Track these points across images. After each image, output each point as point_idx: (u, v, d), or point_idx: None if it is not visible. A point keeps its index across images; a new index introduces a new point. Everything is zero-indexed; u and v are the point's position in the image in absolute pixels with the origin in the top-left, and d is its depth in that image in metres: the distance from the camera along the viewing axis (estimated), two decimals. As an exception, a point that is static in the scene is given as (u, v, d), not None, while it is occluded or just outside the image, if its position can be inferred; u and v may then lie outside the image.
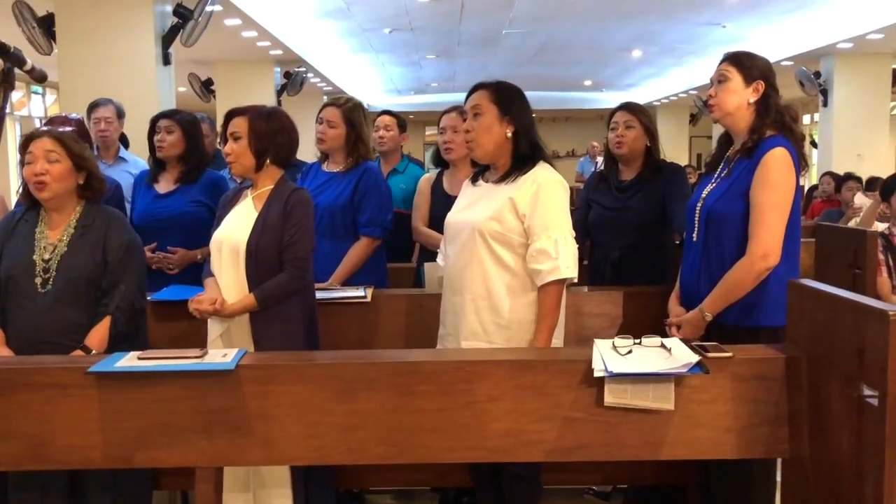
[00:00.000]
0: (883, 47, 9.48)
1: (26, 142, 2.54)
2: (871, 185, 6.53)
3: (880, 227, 4.35)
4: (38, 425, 2.06)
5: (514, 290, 2.49)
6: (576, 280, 2.53)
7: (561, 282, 2.46)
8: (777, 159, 2.37)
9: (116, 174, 3.81)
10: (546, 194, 2.46)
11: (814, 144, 11.33)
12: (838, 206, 6.69)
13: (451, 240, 2.61)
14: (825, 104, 10.31)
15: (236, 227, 2.60)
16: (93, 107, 4.13)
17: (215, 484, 2.17)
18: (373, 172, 3.28)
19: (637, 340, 2.16)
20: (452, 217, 2.65)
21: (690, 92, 15.21)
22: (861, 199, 5.91)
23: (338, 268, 3.15)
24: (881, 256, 3.75)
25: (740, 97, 2.46)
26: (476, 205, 2.56)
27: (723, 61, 2.51)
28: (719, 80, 2.49)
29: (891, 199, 3.90)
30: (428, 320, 2.85)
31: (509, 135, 2.53)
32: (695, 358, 2.03)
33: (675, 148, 17.19)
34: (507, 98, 2.54)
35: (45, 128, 2.65)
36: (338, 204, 3.21)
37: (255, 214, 2.60)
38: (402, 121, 4.07)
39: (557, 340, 2.53)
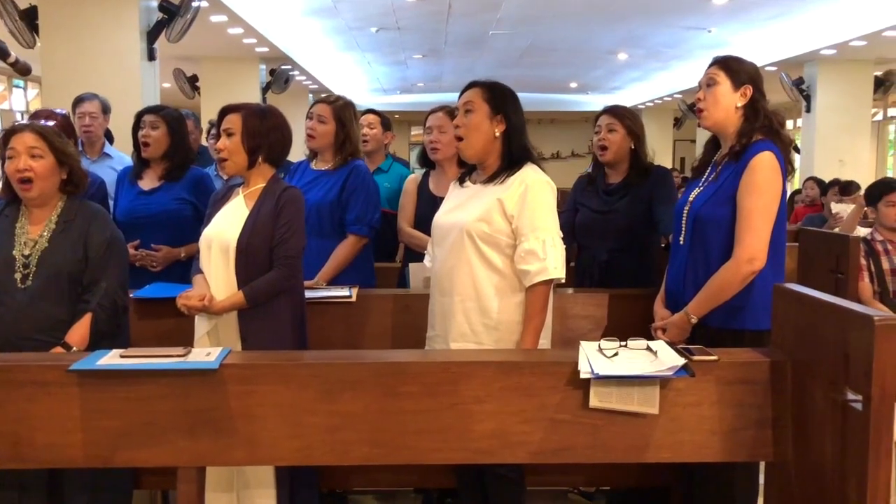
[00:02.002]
0: (865, 54, 9.57)
1: (7, 136, 2.50)
2: (847, 189, 6.58)
3: (862, 231, 4.39)
4: (18, 423, 2.03)
5: (503, 291, 2.49)
6: (563, 281, 2.53)
7: (549, 282, 2.46)
8: (764, 164, 2.38)
9: (101, 170, 3.76)
10: (534, 195, 2.46)
11: (796, 150, 11.44)
12: (821, 210, 6.73)
13: (439, 241, 2.60)
14: (808, 110, 10.40)
15: (227, 224, 2.58)
16: (78, 101, 4.08)
17: (198, 484, 2.14)
18: (361, 171, 3.28)
19: (623, 343, 2.16)
20: (440, 218, 2.64)
21: (675, 96, 15.28)
22: (838, 207, 5.94)
23: (324, 266, 3.14)
24: (863, 261, 3.78)
25: (728, 101, 2.47)
26: (464, 206, 2.55)
27: (711, 65, 2.52)
28: (708, 83, 2.50)
29: (878, 204, 3.91)
30: (414, 321, 2.84)
31: (498, 134, 2.52)
32: (681, 361, 2.03)
33: (659, 151, 17.26)
34: (500, 97, 2.53)
35: (25, 122, 2.61)
36: (325, 202, 3.20)
37: (246, 212, 2.58)
38: (386, 119, 4.06)
39: (544, 341, 2.53)
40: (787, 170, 2.43)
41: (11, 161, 2.47)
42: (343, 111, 3.29)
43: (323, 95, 3.46)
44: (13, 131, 2.51)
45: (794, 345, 2.05)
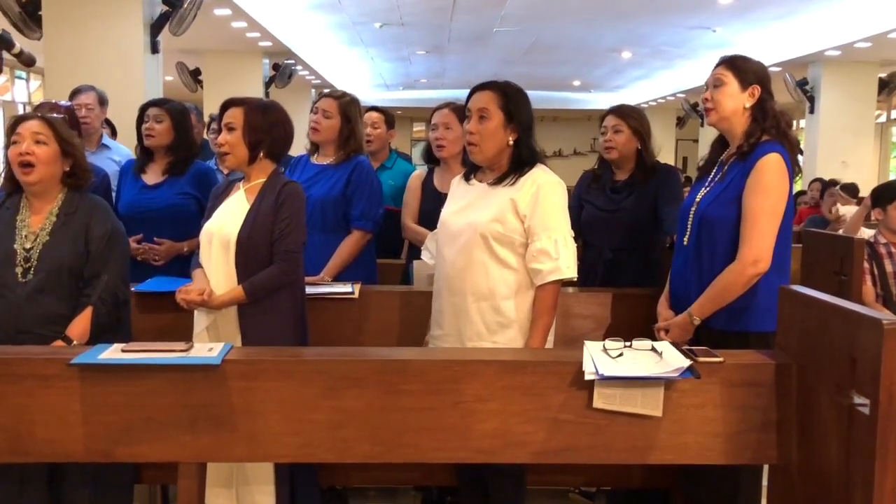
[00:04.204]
0: (870, 56, 9.56)
1: (14, 124, 2.50)
2: (849, 190, 6.56)
3: (866, 234, 4.36)
4: (18, 417, 2.01)
5: (517, 290, 2.48)
6: (575, 279, 2.53)
7: (560, 282, 2.46)
8: (771, 165, 2.36)
9: (99, 161, 3.74)
10: (546, 195, 2.46)
11: (799, 151, 11.43)
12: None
13: (448, 241, 2.57)
14: (811, 111, 10.38)
15: (227, 219, 2.56)
16: (74, 93, 4.06)
17: (198, 480, 2.13)
18: (365, 166, 3.28)
19: (627, 343, 2.14)
20: (449, 218, 2.61)
21: (678, 95, 15.23)
22: (844, 208, 5.92)
23: (329, 261, 3.14)
24: (866, 265, 3.74)
25: (736, 101, 2.45)
26: (474, 206, 2.54)
27: (718, 65, 2.50)
28: (715, 84, 2.48)
29: (887, 206, 3.84)
30: (417, 318, 2.82)
31: (512, 142, 2.51)
32: (686, 362, 2.02)
33: (662, 151, 17.21)
34: (515, 104, 2.51)
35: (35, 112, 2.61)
36: (330, 197, 3.20)
37: (247, 207, 2.57)
38: (390, 117, 4.04)
39: (549, 336, 2.53)
40: (793, 171, 2.42)
41: (15, 146, 2.46)
42: (349, 107, 3.29)
43: (328, 90, 3.45)
44: (21, 119, 2.51)
45: (799, 347, 2.04)
